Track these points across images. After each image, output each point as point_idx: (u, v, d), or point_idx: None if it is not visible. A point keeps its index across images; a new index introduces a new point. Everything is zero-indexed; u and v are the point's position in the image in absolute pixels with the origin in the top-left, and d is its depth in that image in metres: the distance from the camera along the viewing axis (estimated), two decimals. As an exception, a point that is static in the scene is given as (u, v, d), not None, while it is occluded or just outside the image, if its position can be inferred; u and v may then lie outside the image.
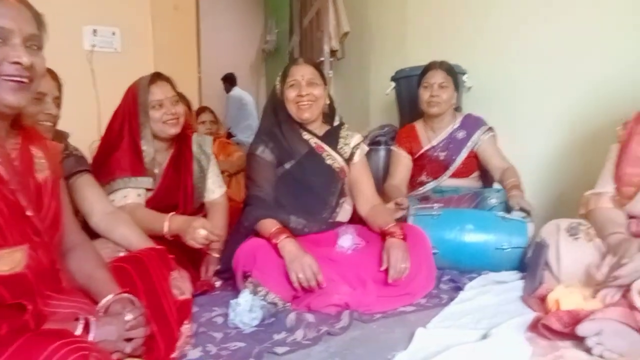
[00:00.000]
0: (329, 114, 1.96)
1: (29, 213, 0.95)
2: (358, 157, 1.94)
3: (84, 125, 2.56)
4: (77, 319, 0.91)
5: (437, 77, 2.21)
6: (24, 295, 0.90)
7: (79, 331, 0.90)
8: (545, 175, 2.29)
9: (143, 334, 1.00)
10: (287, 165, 1.82)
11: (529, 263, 1.62)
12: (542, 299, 1.42)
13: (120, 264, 1.21)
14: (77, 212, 1.58)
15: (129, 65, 2.75)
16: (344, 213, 1.90)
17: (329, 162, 1.87)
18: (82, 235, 1.21)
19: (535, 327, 1.27)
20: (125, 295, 1.06)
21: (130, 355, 0.98)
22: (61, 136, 1.60)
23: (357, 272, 1.61)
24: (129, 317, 0.99)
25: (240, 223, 1.76)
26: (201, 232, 1.56)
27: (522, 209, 1.87)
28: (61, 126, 1.64)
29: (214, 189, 2.00)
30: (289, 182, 1.82)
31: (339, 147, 1.91)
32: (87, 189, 1.54)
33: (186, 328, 1.24)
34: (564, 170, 2.21)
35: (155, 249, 1.34)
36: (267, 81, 7.12)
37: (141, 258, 1.24)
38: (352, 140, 1.95)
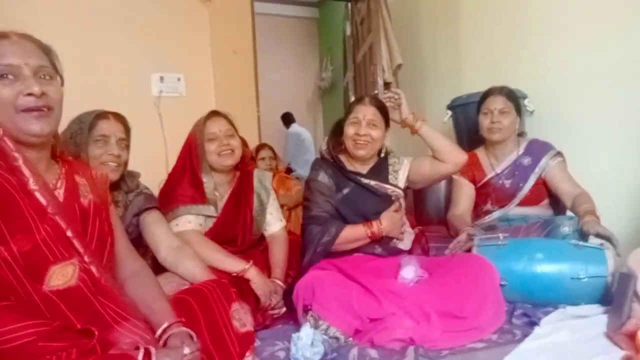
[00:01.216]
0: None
1: (69, 234, 1.01)
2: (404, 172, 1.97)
3: (153, 166, 2.70)
4: (137, 348, 0.94)
5: (497, 103, 2.14)
6: (85, 312, 0.96)
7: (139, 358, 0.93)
8: (623, 201, 2.12)
9: None
10: (345, 191, 1.87)
11: (614, 295, 1.49)
12: (631, 336, 1.29)
13: (182, 296, 1.24)
14: (147, 247, 1.66)
15: (193, 108, 2.87)
16: (406, 238, 1.87)
17: (383, 190, 1.89)
18: (140, 262, 1.27)
19: (625, 366, 1.15)
20: (185, 329, 1.08)
21: None
22: (132, 176, 1.70)
23: (420, 305, 1.54)
24: (186, 350, 1.01)
25: (312, 243, 1.77)
26: (274, 298, 1.73)
27: (598, 235, 1.72)
28: (132, 167, 1.74)
29: (274, 223, 2.07)
30: (348, 206, 1.85)
31: (389, 177, 1.94)
32: (155, 225, 1.62)
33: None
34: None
35: (217, 280, 1.36)
36: (324, 117, 7.25)
37: (202, 290, 1.26)
38: (402, 166, 1.97)
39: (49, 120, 1.04)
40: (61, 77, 1.10)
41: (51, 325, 0.87)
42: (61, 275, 0.97)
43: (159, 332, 1.06)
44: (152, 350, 0.95)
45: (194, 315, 1.16)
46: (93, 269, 1.03)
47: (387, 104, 1.95)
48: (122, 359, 0.84)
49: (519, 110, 2.19)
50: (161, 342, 1.05)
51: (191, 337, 1.07)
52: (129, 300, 1.09)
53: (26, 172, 1.00)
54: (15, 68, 1.00)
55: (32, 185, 0.99)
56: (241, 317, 1.28)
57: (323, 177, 1.87)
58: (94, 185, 1.18)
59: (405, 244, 1.88)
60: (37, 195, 1.00)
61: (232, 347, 1.18)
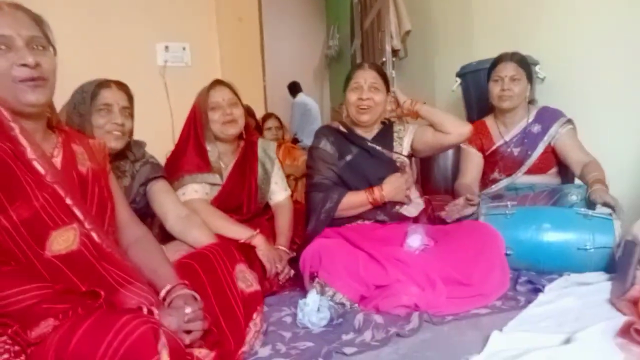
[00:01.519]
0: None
1: (68, 201, 1.03)
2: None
3: (159, 135, 2.72)
4: (140, 308, 0.97)
5: (508, 70, 2.09)
6: (89, 276, 0.99)
7: None
8: (631, 169, 2.09)
9: (200, 327, 1.05)
10: (348, 157, 1.88)
11: (619, 263, 1.48)
12: (635, 302, 1.29)
13: (186, 261, 1.27)
14: (154, 216, 1.69)
15: (198, 78, 2.85)
16: (412, 207, 1.87)
17: (388, 156, 1.90)
18: (142, 229, 1.29)
19: (627, 332, 1.16)
20: (188, 291, 1.10)
21: (205, 345, 1.04)
22: (138, 145, 1.70)
23: (425, 273, 1.56)
24: (188, 310, 1.04)
25: (315, 210, 1.79)
26: (280, 265, 1.75)
27: (605, 204, 1.71)
28: (139, 137, 1.75)
29: (279, 192, 2.09)
30: (351, 173, 1.85)
31: (394, 144, 1.94)
32: (163, 194, 1.63)
33: (255, 322, 1.27)
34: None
35: (220, 243, 1.38)
36: (331, 86, 7.17)
37: (205, 253, 1.29)
38: (406, 132, 1.96)
39: (44, 90, 1.05)
40: (54, 48, 1.10)
41: (54, 287, 0.89)
42: (62, 240, 0.99)
43: (162, 293, 1.09)
44: (155, 310, 0.98)
45: (199, 280, 1.18)
46: (94, 234, 1.05)
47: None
48: (128, 311, 0.87)
49: (530, 77, 2.14)
50: (165, 304, 1.08)
51: (195, 298, 1.09)
52: (133, 265, 1.12)
53: (23, 141, 1.00)
54: (7, 39, 1.00)
55: (30, 154, 1.00)
56: (247, 277, 1.31)
57: (325, 145, 1.88)
58: (91, 153, 1.20)
59: (410, 211, 1.87)
60: (35, 164, 1.01)
61: (237, 308, 1.21)
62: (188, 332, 1.02)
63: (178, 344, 0.92)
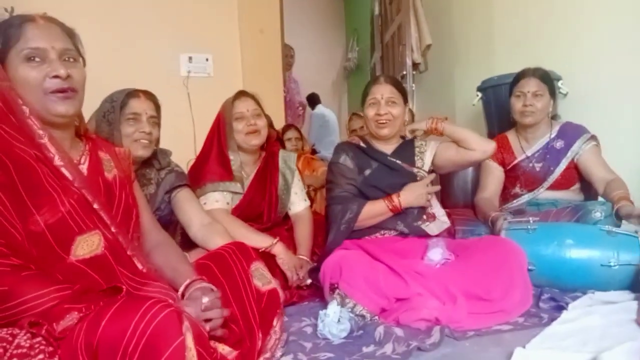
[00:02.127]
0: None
1: (96, 206, 1.06)
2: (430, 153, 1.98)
3: (181, 145, 2.75)
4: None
5: (530, 85, 2.09)
6: (112, 279, 1.01)
7: None
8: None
9: (219, 315, 1.07)
10: (367, 172, 1.89)
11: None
12: (662, 323, 1.27)
13: (203, 262, 1.29)
14: (177, 223, 1.71)
15: (220, 88, 2.91)
16: (435, 224, 1.86)
17: (408, 170, 1.91)
18: (163, 234, 1.32)
19: (655, 353, 1.14)
20: (206, 284, 1.13)
21: (220, 341, 1.06)
22: (164, 154, 1.74)
23: (446, 287, 1.55)
24: (205, 299, 1.06)
25: (335, 221, 1.81)
26: (301, 273, 1.77)
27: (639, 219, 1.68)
28: (162, 146, 1.78)
29: (298, 202, 2.12)
30: (370, 187, 1.86)
31: (415, 158, 1.94)
32: (187, 202, 1.66)
33: (275, 330, 1.28)
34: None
35: (237, 243, 1.39)
36: (349, 98, 7.20)
37: (221, 253, 1.31)
38: (428, 148, 1.97)
39: (73, 102, 1.08)
40: (83, 59, 1.14)
41: (73, 288, 0.92)
42: (86, 245, 1.02)
43: (181, 289, 1.12)
44: (172, 302, 0.99)
45: (216, 280, 1.20)
46: (120, 239, 1.07)
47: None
48: (149, 297, 0.89)
49: (553, 92, 2.13)
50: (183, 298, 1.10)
51: (212, 290, 1.12)
52: (154, 267, 1.14)
53: (52, 148, 1.03)
54: (42, 51, 1.03)
55: (57, 161, 1.03)
56: (264, 275, 1.32)
57: (345, 160, 1.90)
58: (117, 161, 1.23)
59: (432, 229, 1.86)
60: (63, 170, 1.04)
61: (249, 307, 1.21)
62: (207, 321, 1.04)
63: (201, 331, 0.94)
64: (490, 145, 1.87)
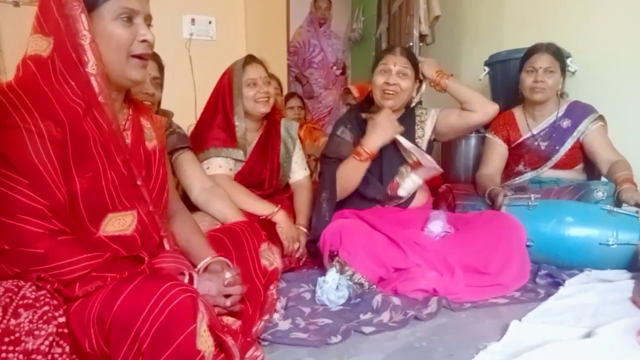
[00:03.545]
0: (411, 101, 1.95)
1: (139, 182, 1.02)
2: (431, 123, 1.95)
3: (182, 109, 2.71)
4: (182, 274, 0.99)
5: (543, 61, 2.04)
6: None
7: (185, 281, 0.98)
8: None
9: (240, 291, 1.08)
10: None
11: (643, 262, 1.47)
12: (657, 302, 1.28)
13: (216, 234, 1.30)
14: (178, 186, 1.70)
15: (223, 52, 2.87)
16: (422, 171, 1.82)
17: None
18: (180, 203, 1.30)
19: (649, 330, 1.15)
20: (223, 258, 1.13)
21: (228, 313, 1.06)
22: (166, 115, 1.71)
23: (444, 259, 1.56)
24: (227, 275, 1.06)
25: (319, 192, 1.80)
26: (298, 243, 1.78)
27: (638, 205, 1.68)
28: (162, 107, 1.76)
29: (299, 171, 2.11)
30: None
31: (415, 127, 1.92)
32: (188, 165, 1.65)
33: (272, 293, 1.32)
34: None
35: (248, 222, 1.41)
36: (353, 69, 7.09)
37: (235, 230, 1.32)
38: (429, 116, 1.93)
39: (146, 69, 1.05)
40: None
41: (103, 257, 0.90)
42: (117, 223, 0.98)
43: (202, 263, 1.10)
44: (195, 275, 0.99)
45: (227, 252, 1.21)
46: (157, 218, 1.05)
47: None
48: (169, 278, 0.88)
49: (564, 70, 2.09)
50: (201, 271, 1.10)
51: (229, 265, 1.12)
52: (173, 241, 1.12)
53: (109, 113, 0.97)
54: (134, 12, 0.98)
55: (108, 127, 0.98)
56: (269, 256, 1.34)
57: (342, 132, 1.87)
58: (157, 129, 1.17)
59: (414, 180, 1.82)
60: (114, 137, 0.98)
61: (258, 281, 1.25)
62: (227, 296, 1.05)
63: (214, 315, 0.93)
64: (492, 107, 1.86)
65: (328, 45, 4.17)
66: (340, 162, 1.79)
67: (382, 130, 1.75)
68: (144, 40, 0.99)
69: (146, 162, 1.08)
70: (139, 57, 1.00)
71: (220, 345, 0.89)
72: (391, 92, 1.81)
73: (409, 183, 1.81)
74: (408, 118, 1.93)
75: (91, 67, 0.95)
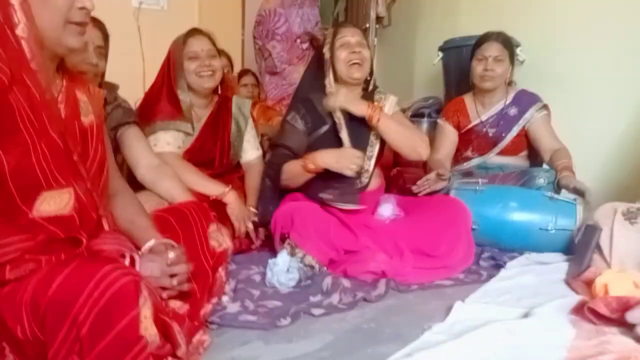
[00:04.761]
0: (365, 82, 1.88)
1: (75, 158, 0.95)
2: (388, 109, 1.83)
3: (130, 81, 2.58)
4: (122, 256, 0.94)
5: (492, 50, 2.09)
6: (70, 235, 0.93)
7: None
8: (602, 159, 2.17)
9: (185, 269, 1.03)
10: (323, 129, 1.77)
11: (578, 245, 1.56)
12: (588, 283, 1.36)
13: (162, 214, 1.24)
14: (123, 163, 1.62)
15: (174, 24, 2.73)
16: (374, 180, 1.82)
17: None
18: (123, 182, 1.23)
19: (580, 310, 1.23)
20: (168, 240, 1.08)
21: (177, 295, 1.02)
22: (111, 87, 1.62)
23: (394, 242, 1.59)
24: (171, 254, 1.02)
25: (263, 177, 1.79)
26: (249, 224, 1.73)
27: (575, 190, 1.77)
28: (108, 80, 1.66)
29: (250, 150, 2.06)
30: (326, 144, 1.73)
31: None
32: (134, 141, 1.57)
33: (221, 275, 1.28)
34: (626, 154, 2.09)
35: (196, 202, 1.36)
36: (308, 49, 7.01)
37: (182, 210, 1.27)
38: (387, 102, 1.87)
39: (84, 36, 0.96)
40: None
41: (36, 239, 0.84)
42: (53, 202, 0.91)
43: (146, 245, 1.05)
44: (136, 256, 0.95)
45: (173, 233, 1.16)
46: (95, 196, 0.98)
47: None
48: (109, 260, 0.83)
49: (513, 59, 2.15)
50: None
51: (173, 246, 1.07)
52: (113, 221, 1.07)
53: (42, 81, 0.89)
54: None
55: (40, 96, 0.89)
56: (218, 238, 1.30)
57: (293, 118, 1.77)
58: (94, 103, 1.07)
59: (374, 184, 1.80)
60: (46, 108, 0.90)
61: (206, 263, 1.21)
62: (172, 276, 1.01)
63: (158, 299, 0.90)
64: (425, 151, 1.76)
65: (296, 16, 3.53)
66: (288, 150, 1.73)
67: (337, 163, 1.61)
68: (82, 7, 0.92)
69: (82, 139, 1.00)
70: (77, 23, 0.93)
71: (165, 331, 0.86)
72: (358, 61, 1.75)
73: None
74: (368, 99, 1.89)
75: (21, 30, 0.86)
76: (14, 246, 0.81)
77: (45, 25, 0.89)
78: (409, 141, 1.75)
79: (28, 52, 0.87)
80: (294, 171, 1.68)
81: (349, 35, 1.78)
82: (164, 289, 0.99)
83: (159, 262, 1.00)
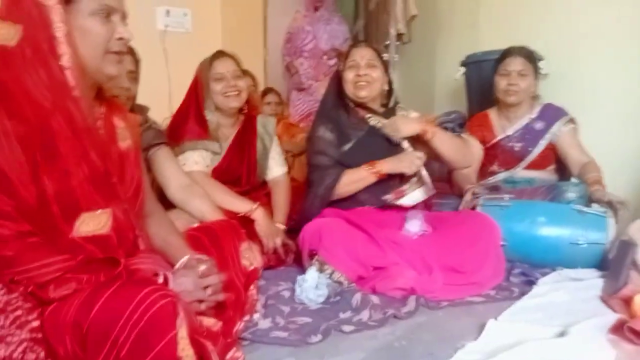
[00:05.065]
0: (386, 98, 1.94)
1: (114, 180, 0.98)
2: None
3: (156, 103, 2.63)
4: (156, 275, 0.96)
5: (516, 64, 2.09)
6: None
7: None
8: (632, 172, 2.13)
9: (218, 279, 1.05)
10: (346, 147, 1.83)
11: (612, 261, 1.52)
12: (626, 301, 1.33)
13: (195, 233, 1.27)
14: (154, 183, 1.66)
15: (198, 46, 2.81)
16: (412, 196, 1.83)
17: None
18: (157, 204, 1.26)
19: (619, 329, 1.19)
20: (198, 255, 1.10)
21: (214, 309, 1.04)
22: (142, 110, 1.67)
23: (422, 258, 1.58)
24: (202, 267, 1.04)
25: (315, 187, 1.80)
26: (277, 241, 1.75)
27: (609, 203, 1.74)
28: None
29: (276, 167, 2.09)
30: (356, 157, 1.80)
31: None
32: (165, 161, 1.61)
33: (252, 293, 1.30)
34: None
35: (228, 221, 1.39)
36: (328, 65, 7.08)
37: (214, 229, 1.29)
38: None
39: (122, 65, 1.03)
40: None
41: (77, 259, 0.87)
42: (92, 223, 0.94)
43: (178, 264, 1.07)
44: (169, 275, 0.97)
45: (206, 252, 1.17)
46: (132, 218, 1.01)
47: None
48: (147, 282, 0.86)
49: (537, 73, 2.14)
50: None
51: (204, 260, 1.09)
52: (148, 241, 1.10)
53: (84, 107, 0.92)
54: (112, 9, 0.96)
55: (82, 122, 0.92)
56: (249, 257, 1.32)
57: (324, 133, 1.83)
58: (131, 128, 1.12)
59: (409, 199, 1.82)
60: (88, 133, 0.94)
61: (238, 281, 1.23)
62: (206, 288, 1.02)
63: (193, 319, 0.91)
64: (473, 158, 1.90)
65: (324, 32, 3.64)
66: (331, 160, 1.79)
67: (399, 163, 1.77)
68: (120, 38, 0.97)
69: (119, 163, 1.05)
70: (116, 53, 0.98)
71: (199, 351, 0.87)
72: (363, 83, 1.82)
73: (415, 195, 1.81)
74: (390, 115, 1.92)
75: (66, 60, 0.90)
76: (56, 266, 0.84)
77: (86, 55, 0.94)
78: (461, 149, 1.85)
79: (71, 81, 0.91)
80: (357, 176, 1.76)
81: (358, 58, 1.84)
82: (200, 301, 1.01)
83: (192, 276, 1.02)
